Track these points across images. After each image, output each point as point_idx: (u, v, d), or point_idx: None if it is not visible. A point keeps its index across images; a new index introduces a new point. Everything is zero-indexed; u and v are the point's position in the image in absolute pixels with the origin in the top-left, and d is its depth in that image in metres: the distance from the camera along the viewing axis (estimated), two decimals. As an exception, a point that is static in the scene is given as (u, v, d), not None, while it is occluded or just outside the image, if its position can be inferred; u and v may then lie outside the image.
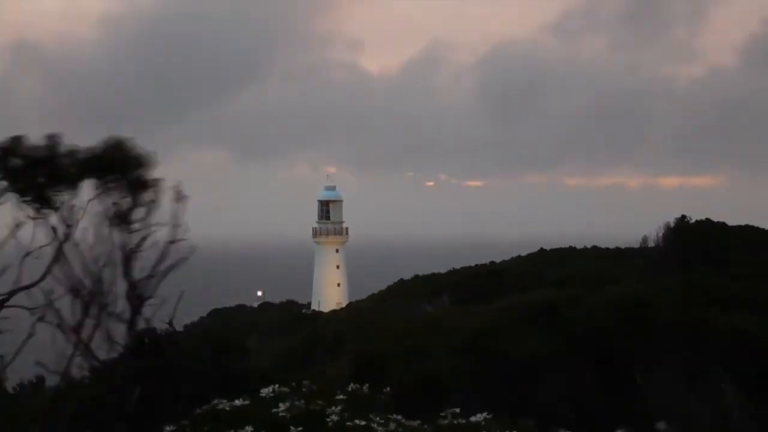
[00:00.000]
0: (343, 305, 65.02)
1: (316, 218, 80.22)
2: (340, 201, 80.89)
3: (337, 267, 78.21)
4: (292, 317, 55.75)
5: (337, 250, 78.70)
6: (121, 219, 9.94)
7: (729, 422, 14.96)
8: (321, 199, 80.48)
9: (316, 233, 79.59)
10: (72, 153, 9.88)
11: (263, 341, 43.43)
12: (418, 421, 10.49)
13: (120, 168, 9.93)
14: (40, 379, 10.72)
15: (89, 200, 9.94)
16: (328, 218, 79.58)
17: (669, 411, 15.42)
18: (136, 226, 10.01)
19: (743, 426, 14.92)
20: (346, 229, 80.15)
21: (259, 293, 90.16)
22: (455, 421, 10.42)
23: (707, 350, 16.87)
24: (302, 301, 72.67)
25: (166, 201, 10.06)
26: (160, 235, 10.04)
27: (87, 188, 9.97)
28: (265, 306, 68.27)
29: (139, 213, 10.02)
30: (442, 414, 10.61)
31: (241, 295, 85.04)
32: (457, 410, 10.62)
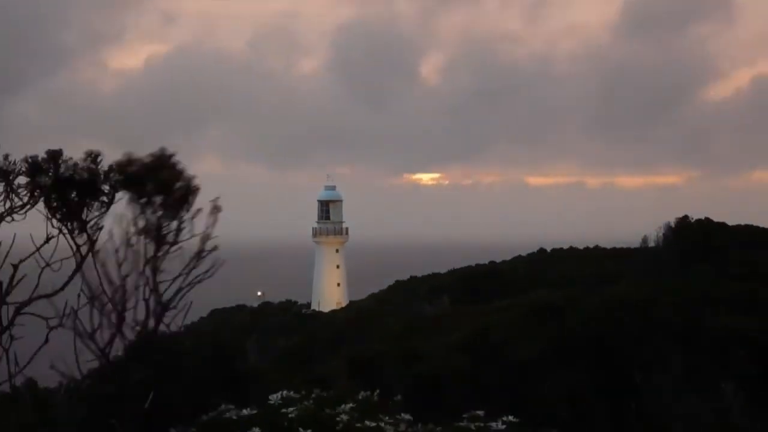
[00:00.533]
0: (343, 305, 65.08)
1: (315, 218, 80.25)
2: (340, 201, 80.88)
3: (337, 267, 78.22)
4: (292, 317, 55.73)
5: (337, 250, 78.71)
6: (152, 232, 9.86)
7: (729, 422, 14.95)
8: (321, 199, 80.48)
9: (316, 233, 79.60)
10: (110, 172, 9.73)
11: (263, 341, 43.41)
12: (431, 424, 10.42)
13: (163, 185, 9.82)
14: (33, 382, 10.69)
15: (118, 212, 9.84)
16: (328, 218, 79.58)
17: (668, 411, 15.41)
18: (168, 238, 9.94)
19: (743, 426, 14.92)
20: (346, 229, 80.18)
21: (259, 293, 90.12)
22: (473, 425, 10.26)
23: (707, 350, 16.87)
24: (302, 301, 72.65)
25: (201, 214, 10.02)
26: (190, 244, 10.01)
27: (120, 200, 9.89)
28: (265, 306, 68.23)
29: (172, 227, 9.95)
30: (464, 416, 10.50)
31: (241, 295, 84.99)
32: (481, 413, 10.45)
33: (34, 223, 9.69)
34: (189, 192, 9.90)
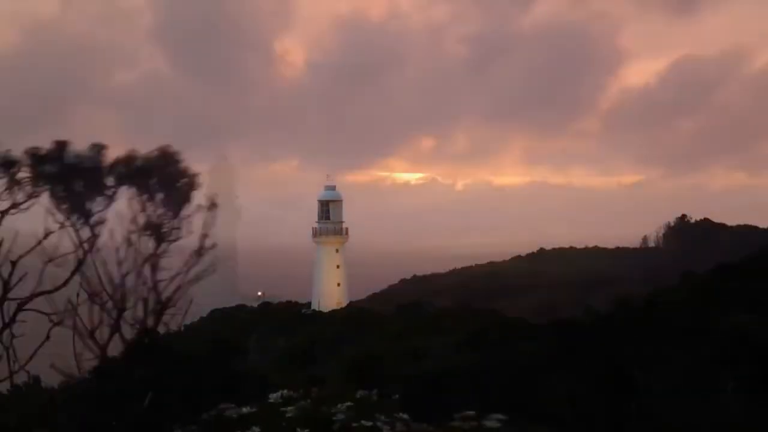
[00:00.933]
0: (343, 305, 65.07)
1: (315, 218, 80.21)
2: (340, 201, 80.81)
3: (337, 267, 78.17)
4: (292, 317, 55.69)
5: (337, 250, 78.66)
6: (152, 228, 9.83)
7: (729, 422, 14.94)
8: (321, 199, 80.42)
9: (316, 233, 79.57)
10: (116, 164, 9.71)
11: (263, 341, 43.40)
12: (425, 423, 10.43)
13: (167, 181, 9.79)
14: (36, 380, 10.68)
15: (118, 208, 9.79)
16: (328, 218, 79.52)
17: (668, 411, 15.40)
18: (168, 236, 9.91)
19: (744, 426, 14.91)
20: (346, 229, 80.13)
21: (259, 293, 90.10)
22: (467, 424, 10.29)
23: (708, 350, 16.86)
24: (302, 301, 72.63)
25: (199, 211, 9.95)
26: (190, 242, 9.96)
27: (121, 196, 9.84)
28: (265, 306, 68.21)
29: (172, 224, 9.92)
30: (455, 416, 10.52)
31: (241, 295, 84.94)
32: (472, 413, 10.50)
33: (35, 221, 9.62)
34: (192, 189, 9.89)
